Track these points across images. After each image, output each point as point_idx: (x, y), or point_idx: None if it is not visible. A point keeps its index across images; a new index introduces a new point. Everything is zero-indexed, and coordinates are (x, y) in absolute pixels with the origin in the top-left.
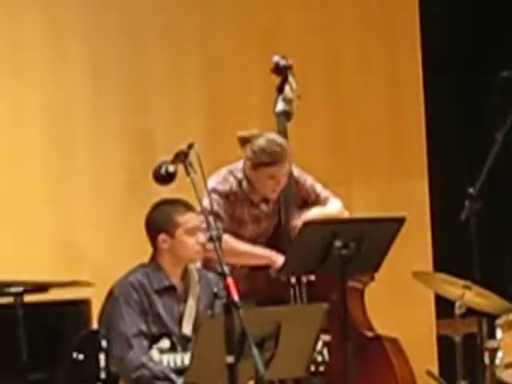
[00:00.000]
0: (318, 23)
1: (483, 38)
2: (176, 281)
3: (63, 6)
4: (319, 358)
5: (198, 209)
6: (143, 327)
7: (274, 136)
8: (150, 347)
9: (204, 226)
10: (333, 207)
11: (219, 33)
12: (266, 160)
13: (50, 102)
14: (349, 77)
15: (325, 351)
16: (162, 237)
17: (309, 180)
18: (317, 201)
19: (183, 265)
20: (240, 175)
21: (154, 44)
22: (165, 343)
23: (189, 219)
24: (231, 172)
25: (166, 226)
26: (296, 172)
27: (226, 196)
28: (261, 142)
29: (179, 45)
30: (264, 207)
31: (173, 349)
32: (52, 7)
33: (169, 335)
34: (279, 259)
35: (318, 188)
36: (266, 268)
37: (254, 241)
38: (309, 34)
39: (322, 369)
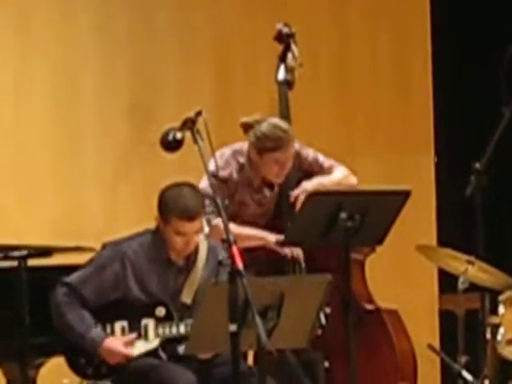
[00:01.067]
0: None
1: (493, 10)
2: (175, 255)
3: None
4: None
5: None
6: (90, 296)
7: (277, 121)
8: (146, 315)
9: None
10: (336, 175)
11: (226, 2)
12: (270, 145)
13: (57, 73)
14: (357, 49)
15: (322, 315)
16: (158, 217)
17: (310, 152)
18: (321, 171)
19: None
20: (242, 160)
21: (162, 15)
22: (160, 311)
23: (181, 226)
24: (234, 155)
25: (163, 214)
26: (297, 145)
27: (225, 181)
28: (264, 127)
29: (188, 12)
30: (267, 192)
31: (169, 317)
32: None
33: (164, 303)
34: (273, 239)
35: (321, 158)
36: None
37: (254, 221)
38: (317, 4)
39: (319, 332)
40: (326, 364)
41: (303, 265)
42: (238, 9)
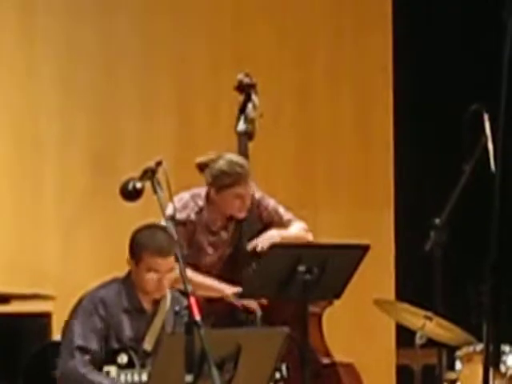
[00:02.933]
0: (290, 48)
1: (456, 67)
2: (146, 303)
3: (36, 26)
4: (277, 375)
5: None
6: (92, 345)
7: (232, 156)
8: (108, 363)
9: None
10: (294, 229)
11: (191, 57)
12: (228, 181)
13: (19, 122)
14: (319, 102)
15: (283, 367)
16: (129, 260)
17: (271, 202)
18: (280, 223)
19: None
20: (201, 203)
21: (125, 67)
22: (122, 358)
23: (154, 262)
24: (193, 198)
25: (133, 254)
26: (258, 195)
27: (183, 223)
28: (220, 164)
29: (151, 67)
30: (224, 234)
31: (130, 364)
32: (26, 27)
33: (126, 350)
34: (230, 292)
35: (281, 210)
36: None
37: (210, 268)
38: (281, 57)
39: None
40: None
41: (258, 316)
42: (200, 61)
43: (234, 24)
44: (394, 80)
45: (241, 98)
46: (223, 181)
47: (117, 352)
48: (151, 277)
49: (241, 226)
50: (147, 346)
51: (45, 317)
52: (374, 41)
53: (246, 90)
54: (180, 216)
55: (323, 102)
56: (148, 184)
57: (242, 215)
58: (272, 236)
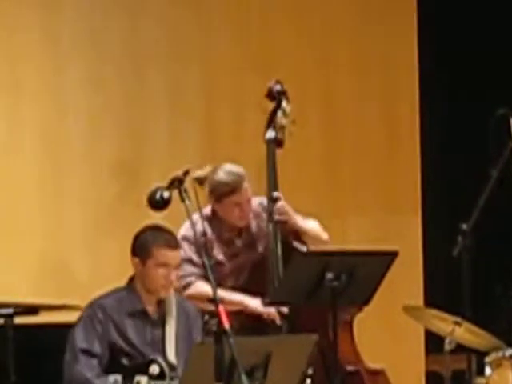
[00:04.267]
0: (315, 50)
1: (483, 69)
2: (150, 307)
3: (63, 27)
4: None
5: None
6: (95, 348)
7: (229, 166)
8: (140, 372)
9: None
10: (311, 224)
11: (217, 60)
12: (226, 190)
13: (46, 125)
14: (345, 110)
15: (308, 382)
16: (135, 260)
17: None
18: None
19: (154, 295)
20: (209, 216)
21: (152, 72)
22: (154, 369)
23: (163, 255)
24: (200, 216)
25: (141, 252)
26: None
27: (197, 240)
28: (217, 175)
29: (178, 70)
30: (238, 242)
31: (162, 376)
32: (53, 28)
33: (158, 362)
34: (252, 303)
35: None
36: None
37: (234, 278)
38: (306, 61)
39: None
40: None
41: (280, 325)
42: (228, 66)
43: (260, 28)
44: (421, 82)
45: (268, 103)
46: (221, 190)
47: (149, 363)
48: (160, 272)
49: (251, 232)
50: (171, 357)
51: (73, 327)
52: (399, 40)
53: (276, 97)
54: (191, 233)
55: (349, 106)
56: (175, 193)
57: (242, 223)
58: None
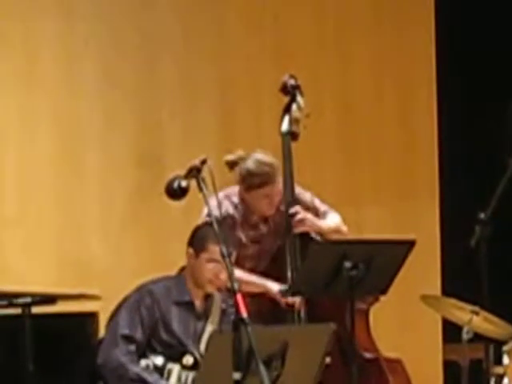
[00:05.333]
0: (331, 42)
1: (498, 62)
2: (197, 299)
3: (78, 18)
4: None
5: None
6: (137, 335)
7: (261, 156)
8: (174, 361)
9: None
10: (329, 220)
11: (232, 51)
12: (257, 182)
13: (61, 116)
14: (361, 97)
15: None
16: (190, 251)
17: (308, 195)
18: (316, 215)
19: (201, 289)
20: (235, 199)
21: (167, 63)
22: (188, 360)
23: (217, 252)
24: (227, 197)
25: (197, 244)
26: (297, 190)
27: (223, 220)
28: (249, 164)
29: (192, 63)
30: (263, 228)
31: (196, 366)
32: (67, 19)
33: (193, 353)
34: (274, 287)
35: (317, 202)
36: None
37: (256, 261)
38: (322, 53)
39: None
40: None
41: (302, 314)
42: (243, 59)
43: (275, 21)
44: (437, 74)
45: (284, 97)
46: (252, 181)
47: (184, 353)
48: (211, 267)
49: (277, 220)
50: (204, 348)
51: (91, 317)
52: (416, 36)
53: (290, 91)
54: (216, 212)
55: (365, 96)
56: (193, 182)
57: (269, 213)
58: (307, 218)
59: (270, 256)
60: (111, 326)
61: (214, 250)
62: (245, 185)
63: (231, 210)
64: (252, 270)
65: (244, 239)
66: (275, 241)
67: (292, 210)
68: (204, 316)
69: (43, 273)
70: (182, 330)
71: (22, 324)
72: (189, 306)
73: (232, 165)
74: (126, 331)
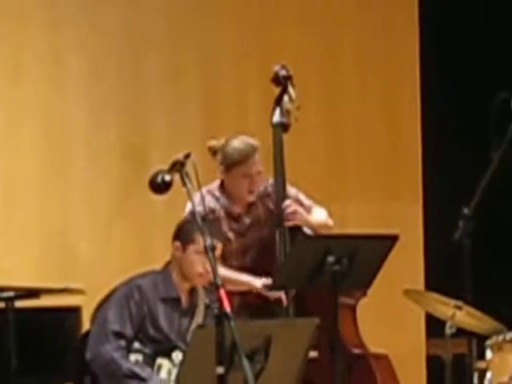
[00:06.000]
0: (317, 35)
1: (481, 58)
2: (183, 294)
3: (63, 13)
4: None
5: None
6: (127, 330)
7: (241, 136)
8: (163, 355)
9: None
10: (315, 215)
11: (217, 44)
12: (237, 158)
13: (46, 111)
14: (347, 94)
15: None
16: (176, 244)
17: (293, 191)
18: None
19: (189, 282)
20: (217, 193)
21: (152, 58)
22: (177, 356)
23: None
24: (209, 191)
25: (184, 237)
26: None
27: (206, 215)
28: (232, 143)
29: (177, 58)
30: (246, 219)
31: None
32: (52, 17)
33: (182, 349)
34: (257, 283)
35: (302, 197)
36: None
37: (240, 256)
38: (307, 47)
39: None
40: None
41: (285, 305)
42: (227, 52)
43: (260, 12)
44: (421, 70)
45: (274, 89)
46: (232, 159)
47: (173, 348)
48: (200, 259)
49: (260, 211)
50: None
51: (75, 311)
52: (401, 29)
53: (282, 82)
54: (199, 208)
55: (350, 94)
56: (177, 177)
57: (251, 198)
58: (298, 211)
59: (255, 250)
60: (100, 321)
61: (201, 240)
62: (226, 165)
63: (213, 204)
64: (240, 269)
65: (228, 233)
66: (259, 233)
67: (285, 203)
68: (189, 312)
69: (27, 268)
70: (168, 327)
71: (5, 318)
72: (175, 302)
73: (215, 151)
74: (116, 327)
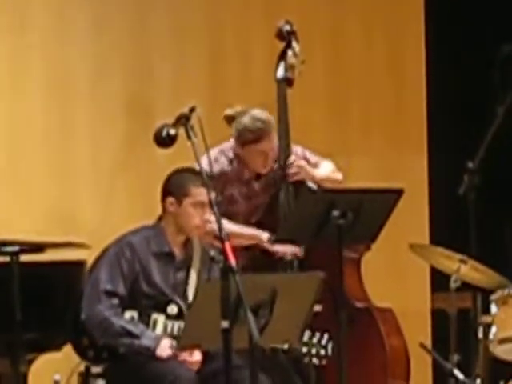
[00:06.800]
0: None
1: (490, 7)
2: (176, 248)
3: None
4: (322, 352)
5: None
6: (119, 289)
7: (257, 112)
8: (158, 310)
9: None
10: (322, 170)
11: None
12: (251, 138)
13: (53, 69)
14: (351, 50)
15: (329, 346)
16: (170, 200)
17: (298, 149)
18: None
19: (184, 235)
20: (231, 154)
21: (157, 8)
22: (173, 309)
23: (200, 193)
24: (222, 151)
25: (178, 191)
26: None
27: (218, 177)
28: (244, 120)
29: (183, 10)
30: (256, 185)
31: (180, 316)
32: None
33: (177, 302)
34: (264, 236)
35: (308, 154)
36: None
37: (247, 217)
38: (313, 3)
39: (324, 362)
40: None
41: (295, 263)
42: (233, 6)
43: None
44: (426, 22)
45: (278, 43)
46: (246, 136)
47: (168, 302)
48: (196, 211)
49: (273, 175)
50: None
51: (79, 265)
52: None
53: (286, 37)
54: (213, 169)
55: (355, 47)
56: (182, 130)
57: (264, 171)
58: (303, 162)
59: (260, 209)
60: (92, 281)
61: (197, 192)
62: (240, 140)
63: (226, 167)
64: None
65: (237, 195)
66: (266, 198)
67: (290, 159)
68: (184, 265)
69: (31, 222)
70: (163, 281)
71: (9, 272)
72: (168, 256)
73: (230, 120)
74: (107, 286)
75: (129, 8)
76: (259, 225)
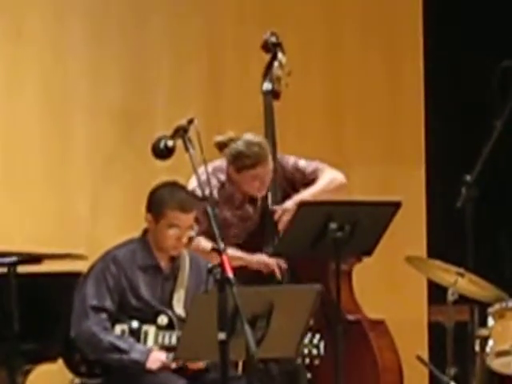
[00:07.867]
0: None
1: (484, 26)
2: (163, 261)
3: None
4: (314, 352)
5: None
6: (107, 303)
7: (251, 137)
8: (148, 322)
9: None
10: (320, 182)
11: (220, 8)
12: (248, 163)
13: (49, 76)
14: (348, 60)
15: (321, 345)
16: (149, 216)
17: (290, 161)
18: (303, 178)
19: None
20: (223, 177)
21: (155, 20)
22: (163, 320)
23: (175, 217)
24: (214, 172)
25: (156, 209)
26: (278, 156)
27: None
28: (239, 145)
29: (181, 22)
30: (249, 209)
31: (171, 326)
32: None
33: (167, 313)
34: (253, 259)
35: (302, 164)
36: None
37: (238, 239)
38: (309, 11)
39: (316, 362)
40: (309, 375)
41: (279, 277)
42: (230, 17)
43: None
44: (425, 31)
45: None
46: (242, 162)
47: (158, 313)
48: (172, 233)
49: (266, 198)
50: (178, 310)
51: (76, 276)
52: None
53: (271, 49)
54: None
55: (352, 57)
56: (179, 142)
57: (260, 194)
58: (290, 204)
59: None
60: (79, 297)
61: (172, 215)
62: (235, 166)
63: (215, 193)
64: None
65: (230, 218)
66: (259, 221)
67: (275, 217)
68: (172, 276)
69: (28, 231)
70: (150, 294)
71: (7, 283)
72: (154, 269)
73: (221, 146)
74: (94, 302)
75: (126, 19)
76: (243, 246)
